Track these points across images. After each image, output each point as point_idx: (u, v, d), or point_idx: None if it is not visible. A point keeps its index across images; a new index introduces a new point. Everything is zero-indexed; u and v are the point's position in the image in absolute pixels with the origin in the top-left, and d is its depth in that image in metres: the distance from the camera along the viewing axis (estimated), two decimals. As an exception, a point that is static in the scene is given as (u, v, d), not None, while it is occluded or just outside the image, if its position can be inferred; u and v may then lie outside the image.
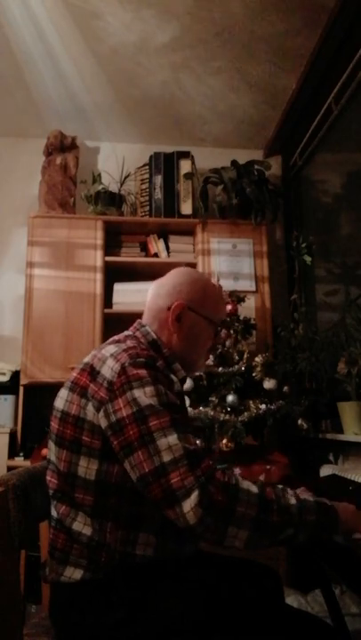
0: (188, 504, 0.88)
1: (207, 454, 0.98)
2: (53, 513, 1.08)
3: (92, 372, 1.06)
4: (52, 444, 1.10)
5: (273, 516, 0.91)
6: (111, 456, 1.00)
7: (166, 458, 0.92)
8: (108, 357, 1.06)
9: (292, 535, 0.93)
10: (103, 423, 1.00)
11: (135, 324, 1.24)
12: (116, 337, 1.19)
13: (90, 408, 1.02)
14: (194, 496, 0.88)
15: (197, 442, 1.01)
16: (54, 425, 1.09)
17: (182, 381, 1.22)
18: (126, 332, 1.21)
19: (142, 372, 1.01)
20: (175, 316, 1.18)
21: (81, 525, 1.02)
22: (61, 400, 1.09)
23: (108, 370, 1.03)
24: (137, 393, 0.98)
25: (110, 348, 1.09)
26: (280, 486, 1.00)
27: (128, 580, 1.00)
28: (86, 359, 1.12)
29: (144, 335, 1.19)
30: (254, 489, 0.93)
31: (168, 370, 1.16)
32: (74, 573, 1.01)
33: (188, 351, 1.21)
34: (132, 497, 1.00)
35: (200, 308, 1.20)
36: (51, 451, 1.10)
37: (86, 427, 1.02)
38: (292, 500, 0.94)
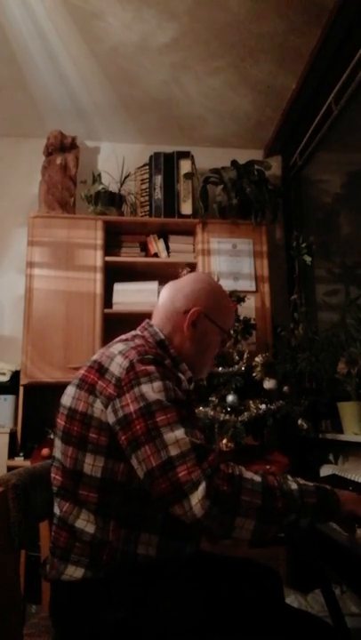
0: (196, 497, 0.89)
1: (213, 448, 0.99)
2: (56, 510, 1.08)
3: (100, 369, 1.07)
4: (57, 441, 1.10)
5: (277, 502, 0.92)
6: (117, 454, 1.00)
7: (173, 452, 0.93)
8: (117, 355, 1.07)
9: (294, 520, 0.94)
10: (111, 419, 1.00)
11: (143, 324, 1.24)
12: (123, 336, 1.19)
13: (98, 405, 1.03)
14: (201, 489, 0.89)
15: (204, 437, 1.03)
16: (61, 422, 1.09)
17: (189, 381, 1.23)
18: (134, 332, 1.22)
19: (150, 368, 1.02)
20: (192, 320, 1.20)
21: (84, 523, 1.02)
22: (68, 397, 1.10)
23: (117, 367, 1.04)
24: (145, 388, 0.99)
25: (119, 346, 1.10)
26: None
27: (129, 580, 1.00)
28: (95, 357, 1.12)
29: (152, 335, 1.20)
30: (257, 478, 0.95)
31: (175, 369, 1.17)
32: (75, 572, 1.02)
33: (197, 356, 1.22)
34: (137, 496, 1.00)
35: (215, 316, 1.22)
36: (56, 447, 1.11)
37: (93, 423, 1.03)
38: (294, 485, 0.96)
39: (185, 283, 1.27)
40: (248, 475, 0.95)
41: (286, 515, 0.93)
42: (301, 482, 0.98)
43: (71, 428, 1.06)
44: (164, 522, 0.98)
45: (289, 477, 0.99)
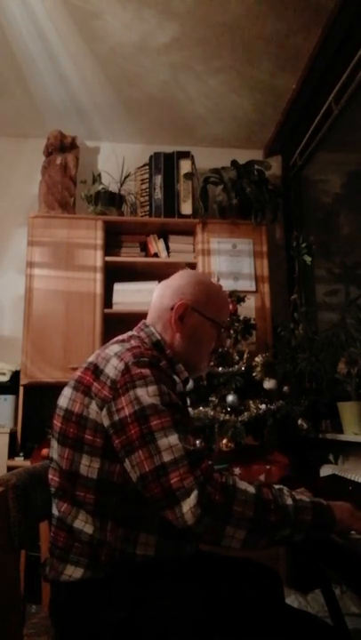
0: (188, 504, 0.89)
1: (207, 455, 0.98)
2: (54, 511, 1.08)
3: (95, 370, 1.06)
4: (54, 443, 1.10)
5: (270, 516, 0.92)
6: (113, 455, 1.00)
7: (167, 458, 0.92)
8: (113, 356, 1.06)
9: (288, 535, 0.93)
10: (106, 422, 1.00)
11: (140, 325, 1.24)
12: (120, 337, 1.19)
13: (93, 406, 1.03)
14: (193, 496, 0.89)
15: (197, 442, 1.01)
16: (57, 423, 1.09)
17: (185, 382, 1.22)
18: (130, 333, 1.22)
19: (146, 371, 1.02)
20: (178, 315, 1.19)
21: (82, 524, 1.02)
22: (65, 398, 1.10)
23: (112, 369, 1.03)
24: (140, 392, 0.98)
25: (114, 348, 1.09)
26: (277, 486, 1.00)
27: (128, 580, 1.00)
28: (90, 358, 1.12)
29: (148, 336, 1.20)
30: (251, 489, 0.94)
31: (171, 370, 1.17)
32: (74, 572, 1.02)
33: (190, 352, 1.21)
34: (134, 496, 1.00)
35: (203, 308, 1.21)
36: (53, 449, 1.11)
37: (89, 425, 1.03)
38: (289, 501, 0.95)
39: (172, 280, 1.26)
40: (242, 485, 0.94)
41: (279, 529, 0.92)
42: (298, 497, 0.97)
43: (67, 430, 1.06)
44: (162, 522, 0.98)
45: (285, 491, 0.98)
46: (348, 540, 0.99)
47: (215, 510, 0.89)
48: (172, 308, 1.19)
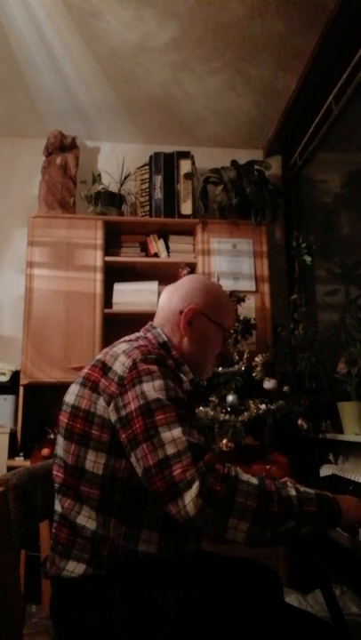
0: (189, 495, 0.89)
1: (211, 448, 0.99)
2: (57, 507, 1.09)
3: (103, 367, 1.08)
4: (60, 439, 1.11)
5: (273, 507, 0.92)
6: (119, 451, 1.01)
7: (170, 451, 0.93)
8: (120, 354, 1.08)
9: (293, 527, 0.93)
10: (113, 417, 1.02)
11: (146, 326, 1.26)
12: (127, 337, 1.21)
13: (101, 402, 1.04)
14: (195, 487, 0.89)
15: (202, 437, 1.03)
16: (63, 419, 1.10)
17: (191, 382, 1.24)
18: (137, 334, 1.24)
19: (153, 367, 1.04)
20: (187, 319, 1.21)
21: (85, 519, 1.03)
22: (72, 395, 1.11)
23: (120, 365, 1.05)
24: (146, 387, 1.00)
25: (122, 346, 1.12)
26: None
27: (130, 577, 1.01)
28: (98, 356, 1.14)
29: (155, 337, 1.22)
30: (254, 480, 0.94)
31: (178, 370, 1.18)
32: (76, 568, 1.02)
33: (197, 355, 1.24)
34: (138, 493, 1.01)
35: (212, 313, 1.24)
36: (58, 445, 1.12)
37: (96, 421, 1.04)
38: (293, 492, 0.95)
39: (181, 284, 1.29)
40: (245, 477, 0.94)
41: (283, 521, 0.92)
42: (302, 489, 0.97)
43: (74, 426, 1.07)
44: (165, 519, 0.98)
45: (290, 483, 0.98)
46: (352, 542, 0.98)
47: (217, 501, 0.89)
48: (181, 312, 1.22)
